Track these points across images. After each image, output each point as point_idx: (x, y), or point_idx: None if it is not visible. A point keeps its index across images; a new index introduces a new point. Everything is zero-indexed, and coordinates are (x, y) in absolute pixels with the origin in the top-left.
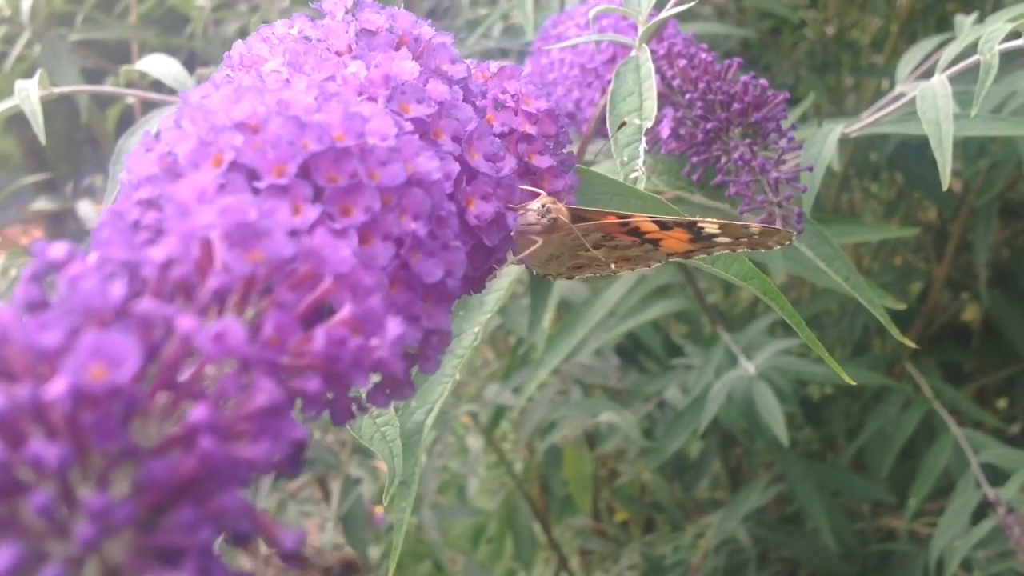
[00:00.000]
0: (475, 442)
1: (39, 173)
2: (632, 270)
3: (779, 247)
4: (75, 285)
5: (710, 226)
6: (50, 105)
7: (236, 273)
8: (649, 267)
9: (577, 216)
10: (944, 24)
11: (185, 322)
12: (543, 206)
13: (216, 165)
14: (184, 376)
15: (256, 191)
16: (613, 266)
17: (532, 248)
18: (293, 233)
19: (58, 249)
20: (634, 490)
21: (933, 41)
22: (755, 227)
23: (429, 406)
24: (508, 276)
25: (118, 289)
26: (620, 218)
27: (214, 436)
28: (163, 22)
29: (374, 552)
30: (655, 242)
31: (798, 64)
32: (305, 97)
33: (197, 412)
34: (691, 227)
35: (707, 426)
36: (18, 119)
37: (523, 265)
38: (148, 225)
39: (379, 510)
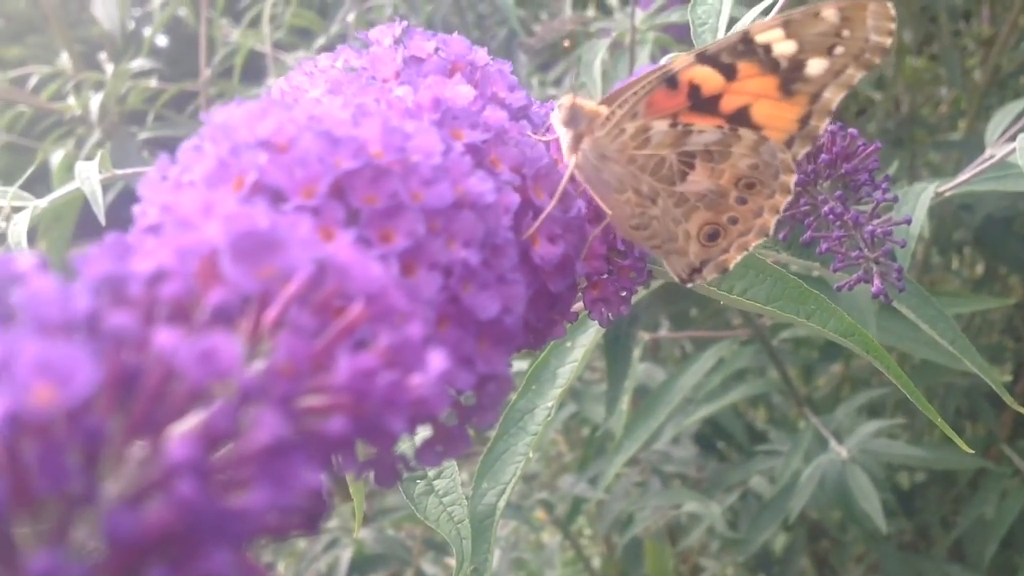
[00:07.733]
0: (551, 538)
1: None
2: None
3: (877, 60)
4: (33, 297)
5: (772, 34)
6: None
7: (242, 289)
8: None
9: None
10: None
11: (164, 336)
12: (558, 104)
13: (237, 188)
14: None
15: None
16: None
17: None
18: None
19: (26, 260)
20: None
21: (1021, 103)
22: (829, 11)
23: (501, 487)
24: (582, 347)
25: (83, 299)
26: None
27: (197, 480)
28: None
29: None
30: (741, 115)
31: (872, 139)
32: (340, 113)
33: (177, 450)
34: (752, 50)
35: (793, 518)
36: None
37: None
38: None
39: None
